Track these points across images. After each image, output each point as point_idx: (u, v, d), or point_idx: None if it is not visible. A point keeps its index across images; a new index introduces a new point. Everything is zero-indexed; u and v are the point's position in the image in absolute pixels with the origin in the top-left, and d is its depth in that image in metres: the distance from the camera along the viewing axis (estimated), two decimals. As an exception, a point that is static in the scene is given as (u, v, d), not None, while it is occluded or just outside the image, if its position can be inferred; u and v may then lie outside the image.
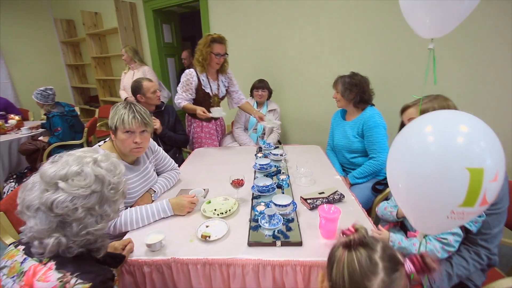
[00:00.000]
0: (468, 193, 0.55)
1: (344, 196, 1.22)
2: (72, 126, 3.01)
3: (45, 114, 3.03)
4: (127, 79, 2.92)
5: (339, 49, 2.26)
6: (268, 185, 1.28)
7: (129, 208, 1.11)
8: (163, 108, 2.05)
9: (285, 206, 1.10)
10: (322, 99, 2.45)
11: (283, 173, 1.50)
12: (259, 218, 1.05)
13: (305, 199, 1.20)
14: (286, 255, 0.89)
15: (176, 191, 1.38)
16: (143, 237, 0.95)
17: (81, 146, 3.07)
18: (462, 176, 0.55)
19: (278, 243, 0.93)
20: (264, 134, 2.41)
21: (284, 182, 1.38)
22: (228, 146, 2.22)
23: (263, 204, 1.16)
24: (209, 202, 1.22)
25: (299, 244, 0.94)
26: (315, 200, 1.18)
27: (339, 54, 2.27)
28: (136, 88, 1.89)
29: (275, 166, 1.62)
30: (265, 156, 1.74)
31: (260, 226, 1.02)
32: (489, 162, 0.55)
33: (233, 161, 1.80)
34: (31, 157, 2.89)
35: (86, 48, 4.16)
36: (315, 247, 0.93)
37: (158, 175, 1.41)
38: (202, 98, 2.01)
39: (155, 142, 1.41)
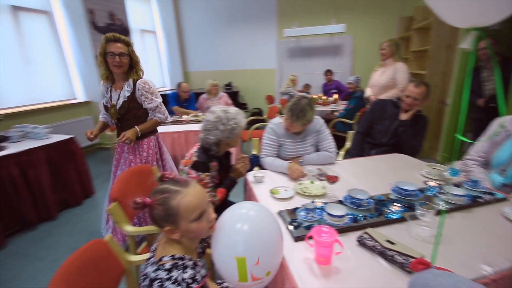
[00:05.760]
0: (239, 273, 0.80)
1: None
2: (358, 108, 3.77)
3: (350, 94, 4.16)
4: (376, 76, 2.86)
5: None
6: (363, 199, 1.15)
7: (276, 158, 1.69)
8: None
9: (338, 217, 1.05)
10: None
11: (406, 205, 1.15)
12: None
13: (367, 234, 0.98)
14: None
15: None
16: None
17: (344, 124, 3.80)
18: (233, 262, 0.80)
19: (292, 228, 1.04)
20: None
21: (394, 214, 1.11)
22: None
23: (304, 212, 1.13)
24: (312, 182, 1.42)
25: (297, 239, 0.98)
26: (374, 245, 0.94)
27: None
28: None
29: (425, 193, 1.20)
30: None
31: (296, 210, 1.14)
32: (250, 249, 0.80)
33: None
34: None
35: (411, 42, 4.40)
36: (295, 260, 0.91)
37: (318, 150, 1.77)
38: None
39: (323, 123, 1.74)
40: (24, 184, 2.27)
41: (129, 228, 1.27)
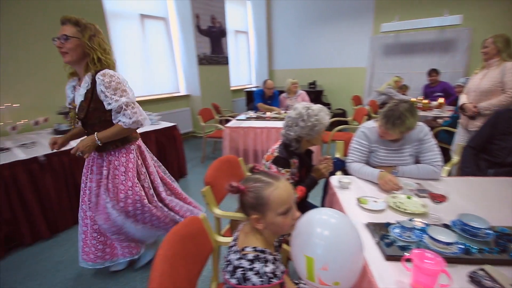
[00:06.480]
0: (307, 271, 0.80)
1: None
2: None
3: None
4: (475, 80, 2.24)
5: None
6: (480, 228, 0.94)
7: (364, 164, 1.56)
8: None
9: (445, 243, 0.89)
10: None
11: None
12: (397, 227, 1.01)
13: (484, 271, 0.79)
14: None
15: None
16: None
17: (450, 134, 3.17)
18: (303, 258, 0.80)
19: (383, 245, 0.94)
20: None
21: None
22: None
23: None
24: (410, 197, 1.25)
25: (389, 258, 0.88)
26: (493, 287, 0.75)
27: None
28: None
29: None
30: None
31: (389, 226, 1.02)
32: (320, 252, 0.78)
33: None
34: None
35: None
36: (386, 280, 0.83)
37: (418, 162, 1.54)
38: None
39: (428, 131, 1.51)
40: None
41: (217, 211, 1.40)
